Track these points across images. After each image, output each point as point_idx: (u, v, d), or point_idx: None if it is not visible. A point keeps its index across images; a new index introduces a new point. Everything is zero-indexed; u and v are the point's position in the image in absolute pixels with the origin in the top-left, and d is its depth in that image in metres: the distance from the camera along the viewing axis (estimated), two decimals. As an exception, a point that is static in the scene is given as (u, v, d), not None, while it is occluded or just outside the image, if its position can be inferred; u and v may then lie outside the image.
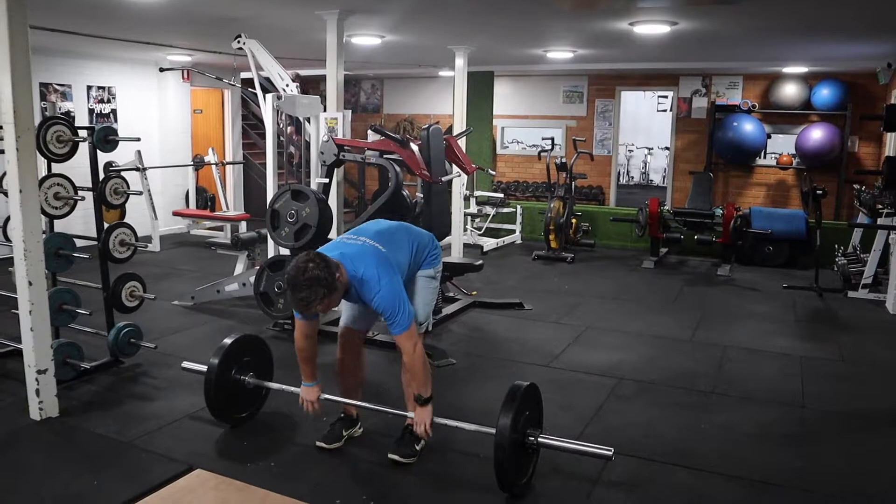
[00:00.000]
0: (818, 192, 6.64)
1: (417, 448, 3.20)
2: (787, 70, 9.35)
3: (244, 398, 3.54)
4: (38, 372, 3.46)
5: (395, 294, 2.89)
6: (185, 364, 3.71)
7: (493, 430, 2.81)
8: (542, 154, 8.83)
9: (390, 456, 3.15)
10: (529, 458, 2.98)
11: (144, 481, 2.97)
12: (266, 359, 3.67)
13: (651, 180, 15.64)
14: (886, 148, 8.72)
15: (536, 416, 3.06)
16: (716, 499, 2.97)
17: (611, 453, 2.86)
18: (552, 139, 9.23)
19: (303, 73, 9.46)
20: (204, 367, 3.44)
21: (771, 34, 6.33)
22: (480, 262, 5.81)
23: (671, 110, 11.01)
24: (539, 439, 2.93)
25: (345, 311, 3.31)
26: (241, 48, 5.65)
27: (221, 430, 3.51)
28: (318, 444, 3.30)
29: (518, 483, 2.91)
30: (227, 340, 3.49)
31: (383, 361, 4.44)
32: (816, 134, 9.48)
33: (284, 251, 5.02)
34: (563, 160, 8.59)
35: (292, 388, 3.39)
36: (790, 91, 9.65)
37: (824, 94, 9.44)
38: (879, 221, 6.31)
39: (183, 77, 9.48)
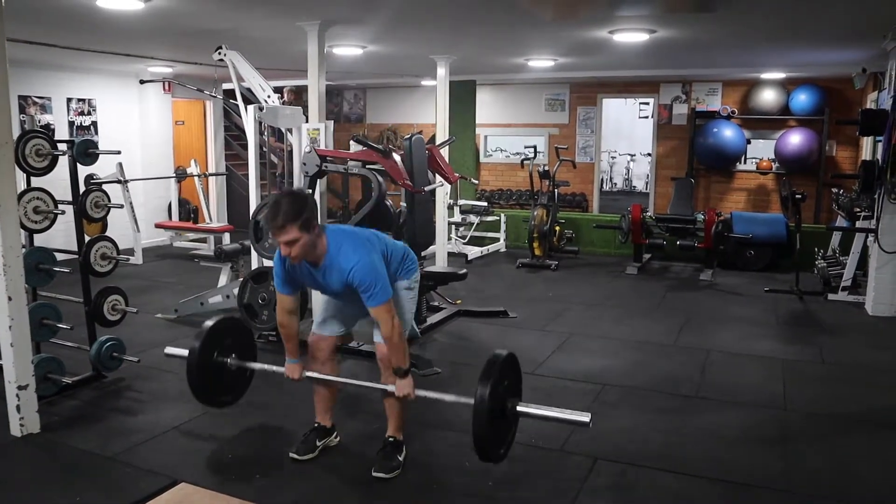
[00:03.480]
0: (797, 196, 6.73)
1: (401, 458, 3.19)
2: (765, 76, 9.47)
3: (228, 380, 3.47)
4: (19, 388, 3.43)
5: (373, 266, 2.95)
6: (168, 350, 3.65)
7: (471, 401, 2.80)
8: (525, 162, 8.88)
9: (374, 474, 3.11)
10: (509, 427, 2.98)
11: (128, 496, 2.94)
12: (248, 340, 3.61)
13: (634, 186, 15.76)
14: (863, 152, 8.85)
15: (515, 385, 3.03)
16: (700, 501, 3.00)
17: (588, 419, 2.84)
18: (535, 147, 9.29)
19: (283, 83, 9.45)
20: (186, 352, 3.37)
21: (748, 41, 6.41)
22: (464, 270, 5.82)
23: (652, 117, 11.11)
24: (518, 408, 2.92)
25: (317, 314, 3.32)
26: (221, 59, 5.65)
27: (206, 443, 3.49)
28: (291, 455, 3.29)
29: (497, 452, 2.91)
30: (209, 323, 3.41)
31: (365, 372, 4.43)
32: (795, 139, 9.61)
33: (268, 262, 5.01)
34: (546, 168, 8.63)
35: (275, 368, 3.39)
36: (768, 97, 9.78)
37: (802, 99, 9.57)
38: (857, 224, 6.40)
39: (164, 88, 9.44)
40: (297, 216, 2.86)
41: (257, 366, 3.53)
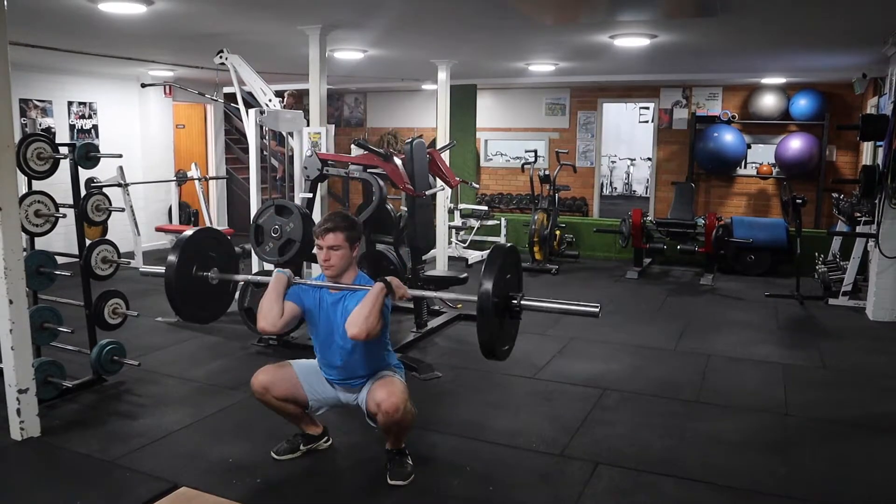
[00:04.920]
0: (798, 200, 6.73)
1: (411, 462, 3.18)
2: (766, 81, 9.48)
3: (211, 295, 3.39)
4: (20, 391, 3.42)
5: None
6: (143, 269, 3.65)
7: (474, 298, 2.76)
8: (526, 166, 8.88)
9: (392, 482, 3.08)
10: (513, 322, 2.97)
11: (128, 500, 2.94)
12: (230, 253, 3.51)
13: (634, 191, 15.77)
14: (863, 157, 8.85)
15: (517, 279, 3.00)
16: (701, 507, 2.99)
17: (597, 309, 2.80)
18: (535, 151, 9.30)
19: (284, 87, 9.47)
20: (162, 269, 3.28)
21: (749, 46, 6.43)
22: (465, 274, 5.81)
23: (653, 121, 11.12)
24: (522, 301, 2.89)
25: (309, 379, 3.24)
26: (223, 63, 5.66)
27: (207, 447, 3.48)
28: (271, 453, 3.30)
29: (502, 350, 2.92)
30: (186, 234, 3.32)
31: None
32: (795, 144, 9.61)
33: (268, 266, 5.00)
34: (547, 172, 8.64)
35: (259, 279, 3.41)
36: (769, 102, 9.79)
37: (802, 104, 9.58)
38: (858, 229, 6.39)
39: (165, 92, 9.45)
40: (348, 228, 3.06)
41: (241, 277, 3.47)
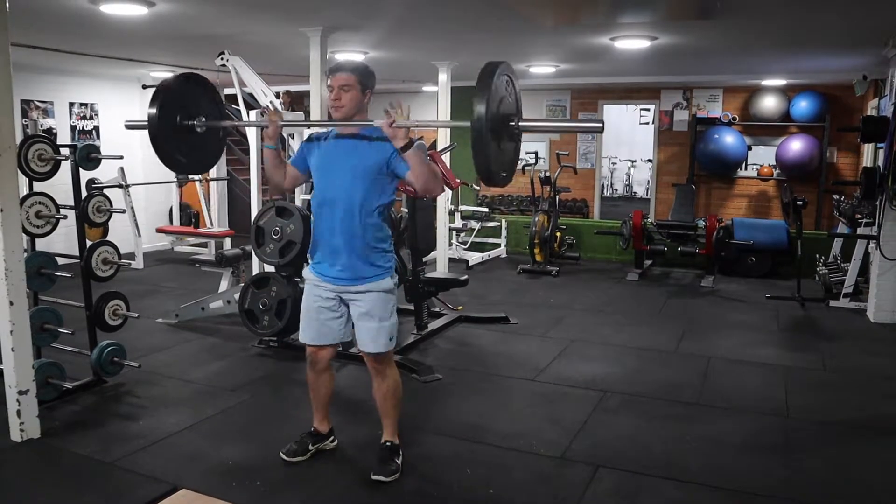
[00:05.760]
0: (798, 202, 6.73)
1: (399, 462, 3.19)
2: (766, 83, 9.48)
3: (201, 143, 3.32)
4: (20, 392, 3.42)
5: None
6: (128, 122, 3.60)
7: (468, 123, 2.68)
8: (526, 168, 8.87)
9: (374, 477, 3.11)
10: (512, 145, 2.88)
11: (128, 502, 2.94)
12: (215, 99, 3.44)
13: (635, 192, 15.78)
14: (864, 158, 8.86)
15: (514, 101, 2.89)
16: (702, 510, 2.99)
17: (601, 125, 2.86)
18: (536, 153, 9.28)
19: (284, 88, 9.48)
20: (144, 121, 3.20)
21: (749, 48, 6.42)
22: (466, 276, 5.81)
23: (653, 123, 11.12)
24: (521, 123, 2.82)
25: (307, 327, 3.19)
26: (224, 65, 5.66)
27: (207, 449, 3.48)
28: (281, 454, 3.30)
29: (500, 176, 2.84)
30: (165, 80, 3.23)
31: (363, 376, 4.40)
32: (796, 145, 9.62)
33: (269, 268, 5.01)
34: (547, 174, 8.64)
35: (249, 122, 3.37)
36: (769, 103, 9.79)
37: (803, 106, 9.58)
38: (858, 231, 6.39)
39: (166, 94, 9.44)
40: (361, 73, 3.05)
41: (228, 123, 3.44)
